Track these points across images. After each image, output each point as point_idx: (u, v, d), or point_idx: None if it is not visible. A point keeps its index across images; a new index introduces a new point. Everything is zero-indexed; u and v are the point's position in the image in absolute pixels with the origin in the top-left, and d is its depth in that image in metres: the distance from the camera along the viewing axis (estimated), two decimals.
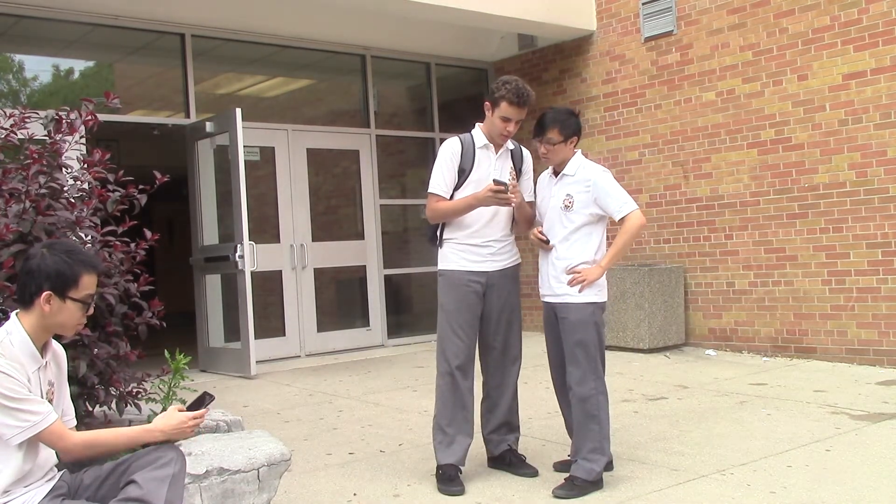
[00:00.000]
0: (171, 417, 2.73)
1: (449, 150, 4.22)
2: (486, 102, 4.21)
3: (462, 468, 4.17)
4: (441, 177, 4.20)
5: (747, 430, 5.03)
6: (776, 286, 7.70)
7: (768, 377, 6.73)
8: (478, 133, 4.27)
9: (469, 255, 4.21)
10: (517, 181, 4.31)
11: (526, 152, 4.46)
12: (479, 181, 4.17)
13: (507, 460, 4.35)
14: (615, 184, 4.10)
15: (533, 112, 4.35)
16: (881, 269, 7.02)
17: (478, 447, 4.39)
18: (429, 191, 4.25)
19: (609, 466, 4.18)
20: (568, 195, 4.08)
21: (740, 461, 4.37)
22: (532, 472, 4.28)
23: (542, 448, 4.75)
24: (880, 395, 5.90)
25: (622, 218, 4.04)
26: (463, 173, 4.20)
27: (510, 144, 4.34)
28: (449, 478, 4.10)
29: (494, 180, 4.04)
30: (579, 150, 4.19)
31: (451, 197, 4.21)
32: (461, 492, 4.03)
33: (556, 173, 4.20)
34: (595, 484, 3.97)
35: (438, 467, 4.17)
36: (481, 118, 4.28)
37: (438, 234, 4.30)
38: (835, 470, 4.18)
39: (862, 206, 7.11)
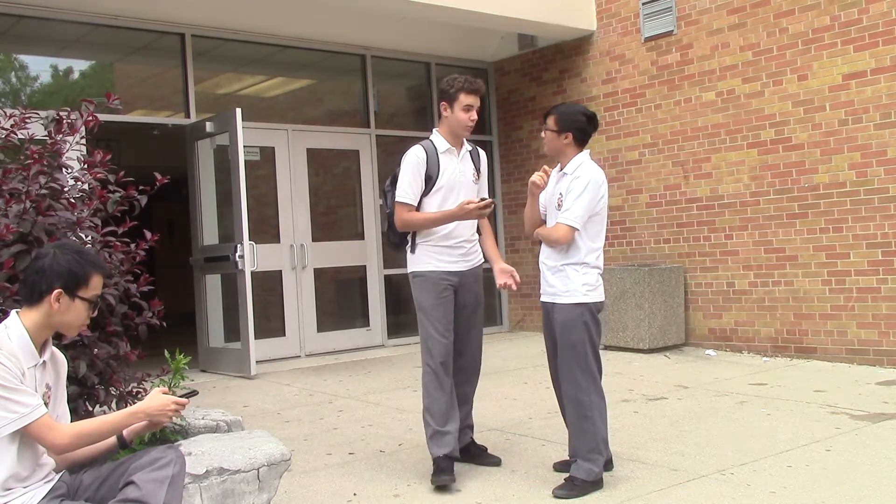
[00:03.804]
0: (155, 399, 2.76)
1: (414, 159, 4.31)
2: (442, 103, 4.35)
3: (457, 458, 4.27)
4: (409, 185, 4.30)
5: (747, 430, 5.03)
6: (776, 286, 7.71)
7: (768, 377, 6.74)
8: (438, 138, 4.39)
9: (443, 255, 4.32)
10: (478, 181, 4.49)
11: (482, 153, 4.62)
12: (447, 186, 4.31)
13: (471, 452, 4.49)
14: (587, 196, 4.01)
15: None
16: (881, 269, 7.02)
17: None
18: (397, 200, 4.33)
19: (609, 465, 4.19)
20: (561, 194, 4.11)
21: (740, 461, 4.38)
22: (496, 461, 4.44)
23: (542, 448, 4.75)
24: (880, 395, 5.90)
25: (557, 223, 4.04)
26: (430, 180, 4.31)
27: (468, 146, 4.48)
28: (441, 469, 4.19)
29: (482, 199, 4.22)
30: (586, 152, 4.17)
31: (420, 203, 4.31)
32: (451, 480, 4.12)
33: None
34: (595, 484, 3.97)
35: (434, 460, 4.24)
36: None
37: (410, 238, 4.39)
38: (835, 470, 4.18)
39: (862, 206, 7.11)
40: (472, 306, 4.44)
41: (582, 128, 4.13)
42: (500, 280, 4.31)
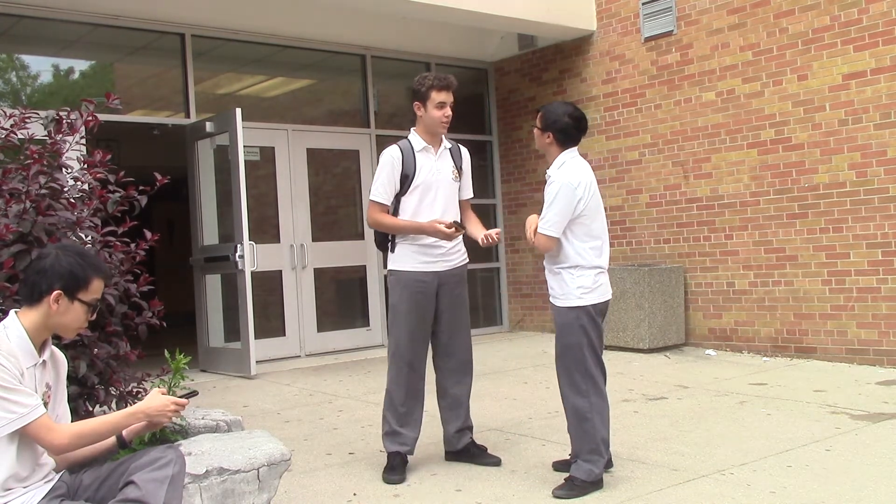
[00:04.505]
0: (154, 399, 2.77)
1: (390, 158, 4.33)
2: (416, 103, 4.36)
3: (409, 457, 4.37)
4: (382, 185, 4.32)
5: (747, 430, 5.03)
6: (776, 286, 7.71)
7: (768, 377, 6.74)
8: (415, 137, 4.40)
9: (421, 255, 4.33)
10: (459, 179, 4.47)
11: (464, 151, 4.60)
12: (423, 184, 4.31)
13: (471, 452, 4.49)
14: (559, 202, 3.94)
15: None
16: (881, 269, 7.02)
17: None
18: (370, 199, 4.35)
19: (609, 464, 4.18)
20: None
21: (740, 461, 4.38)
22: (496, 461, 4.43)
23: (542, 448, 4.75)
24: (880, 395, 5.90)
25: (537, 232, 4.02)
26: (406, 179, 4.31)
27: (447, 143, 4.46)
28: (392, 467, 4.27)
29: (455, 223, 4.24)
30: (570, 152, 4.09)
31: (398, 201, 4.33)
32: (400, 481, 4.19)
33: None
34: (595, 484, 3.97)
35: (387, 456, 4.34)
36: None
37: (390, 237, 4.40)
38: (835, 470, 4.19)
39: (862, 206, 7.11)
40: (456, 307, 4.43)
41: (563, 129, 4.06)
42: (480, 236, 4.32)
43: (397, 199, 4.34)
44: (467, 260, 4.52)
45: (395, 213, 4.36)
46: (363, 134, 9.35)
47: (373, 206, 4.34)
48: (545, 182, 4.15)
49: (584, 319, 4.00)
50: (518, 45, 9.83)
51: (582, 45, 9.23)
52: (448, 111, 4.33)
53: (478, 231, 4.42)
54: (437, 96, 4.29)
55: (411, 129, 4.45)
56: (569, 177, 3.99)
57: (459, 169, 4.48)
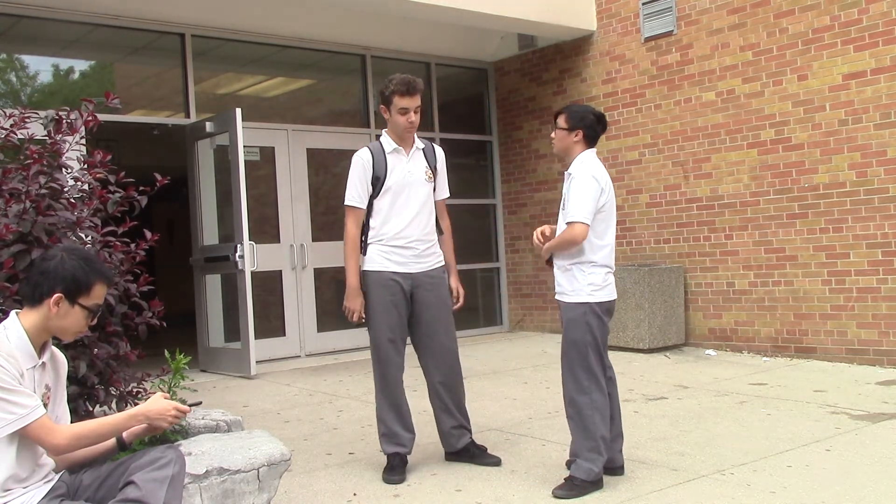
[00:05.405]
0: (156, 402, 2.76)
1: (359, 161, 4.30)
2: (381, 107, 4.35)
3: (407, 457, 4.34)
4: (355, 189, 4.30)
5: (747, 430, 5.03)
6: (776, 286, 7.71)
7: (768, 377, 6.74)
8: (386, 139, 4.37)
9: (393, 256, 4.30)
10: (433, 180, 4.44)
11: (438, 150, 4.57)
12: (395, 186, 4.28)
13: (471, 452, 4.47)
14: (587, 191, 3.99)
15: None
16: (881, 269, 7.03)
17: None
18: (345, 204, 4.33)
19: (620, 471, 4.17)
20: (564, 194, 4.11)
21: (740, 461, 4.38)
22: (496, 461, 4.41)
23: (542, 448, 4.75)
24: (880, 395, 5.90)
25: (568, 224, 4.02)
26: (378, 181, 4.28)
27: (420, 144, 4.43)
28: (392, 467, 4.26)
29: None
30: (591, 152, 4.16)
31: (371, 204, 4.31)
32: (400, 481, 4.18)
33: None
34: (595, 484, 3.97)
35: (386, 457, 4.32)
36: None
37: (363, 238, 4.38)
38: (835, 470, 4.19)
39: (862, 206, 7.11)
40: (435, 308, 4.37)
41: (591, 125, 4.15)
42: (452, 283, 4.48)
43: (369, 201, 4.31)
44: (443, 262, 4.47)
45: (368, 216, 4.34)
46: (363, 134, 9.34)
47: (349, 213, 4.31)
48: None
49: (590, 316, 4.01)
50: (518, 45, 9.83)
51: (582, 45, 9.23)
52: (412, 116, 4.27)
53: (449, 265, 4.51)
54: (399, 101, 4.25)
55: (383, 130, 4.42)
56: (592, 171, 4.06)
57: (434, 169, 4.44)
